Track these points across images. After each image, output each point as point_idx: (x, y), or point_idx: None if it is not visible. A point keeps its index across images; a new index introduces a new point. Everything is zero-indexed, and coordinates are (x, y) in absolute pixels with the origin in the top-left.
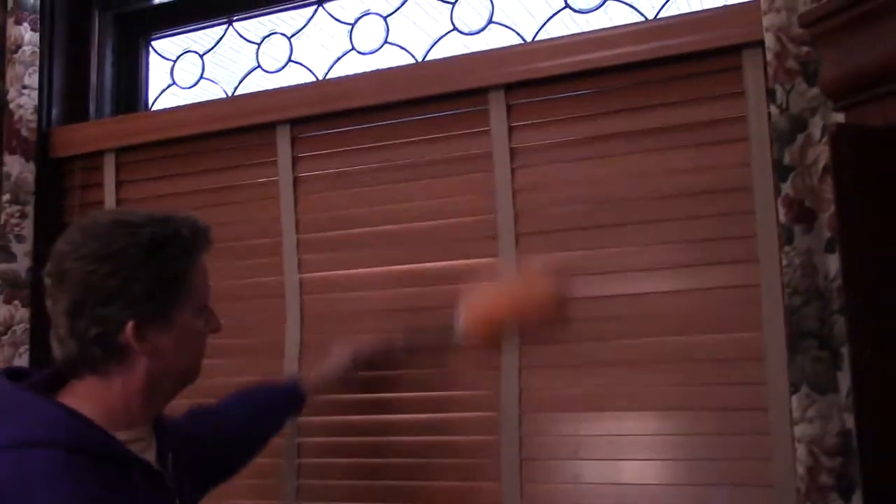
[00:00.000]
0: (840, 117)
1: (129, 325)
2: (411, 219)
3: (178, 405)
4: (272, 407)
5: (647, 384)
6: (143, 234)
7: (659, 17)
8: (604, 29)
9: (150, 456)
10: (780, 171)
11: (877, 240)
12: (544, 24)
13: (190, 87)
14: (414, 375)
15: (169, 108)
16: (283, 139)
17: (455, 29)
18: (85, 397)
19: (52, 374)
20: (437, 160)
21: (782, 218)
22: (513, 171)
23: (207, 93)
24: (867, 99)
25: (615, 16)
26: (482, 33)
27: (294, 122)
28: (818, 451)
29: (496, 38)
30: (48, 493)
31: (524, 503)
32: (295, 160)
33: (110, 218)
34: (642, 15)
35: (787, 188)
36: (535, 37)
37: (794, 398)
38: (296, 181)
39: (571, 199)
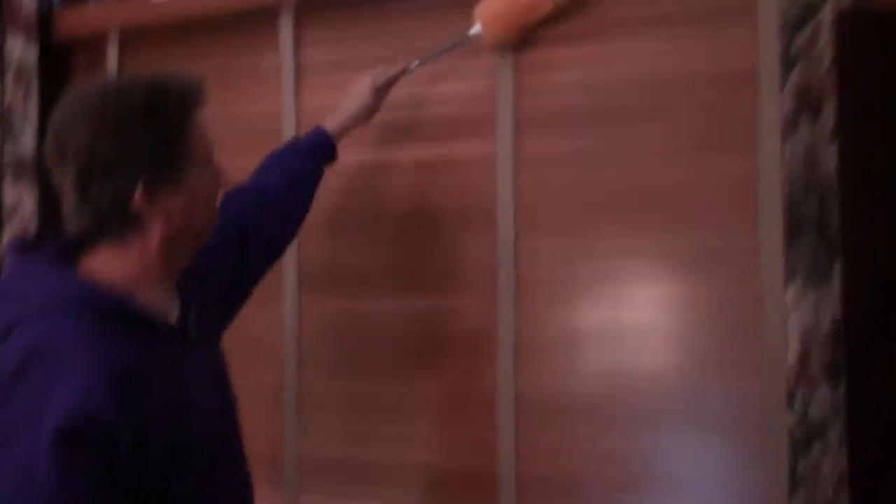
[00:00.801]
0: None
1: (139, 189)
2: (415, 105)
3: None
4: (305, 161)
5: (643, 272)
6: (135, 98)
7: None
8: None
9: (173, 313)
10: (788, 60)
11: (877, 128)
12: None
13: None
14: None
15: None
16: (286, 23)
17: None
18: (103, 265)
19: (65, 245)
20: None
21: (788, 108)
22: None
23: None
24: None
25: None
26: None
27: (298, 6)
28: (810, 339)
29: None
30: (77, 360)
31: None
32: (297, 44)
33: (101, 86)
34: None
35: (794, 77)
36: None
37: (790, 288)
38: (298, 66)
39: (576, 84)
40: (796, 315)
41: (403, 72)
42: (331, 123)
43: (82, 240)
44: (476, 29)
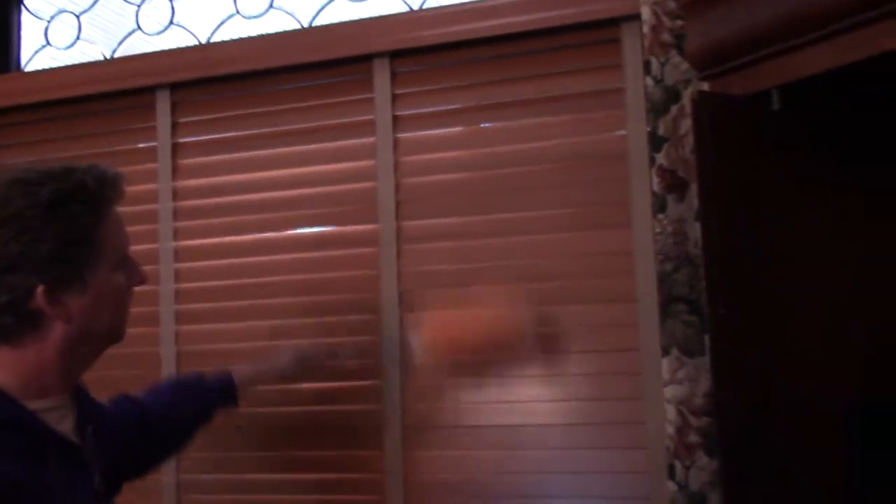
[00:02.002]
0: (707, 87)
1: (39, 289)
2: (292, 185)
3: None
4: (202, 399)
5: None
6: (42, 193)
7: None
8: None
9: (67, 426)
10: (655, 142)
11: (735, 205)
12: None
13: (66, 49)
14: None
15: (43, 70)
16: (162, 104)
17: None
18: None
19: None
20: (321, 127)
21: (656, 187)
22: (395, 138)
23: (85, 55)
24: (729, 69)
25: None
26: (369, 0)
27: (175, 87)
28: (686, 411)
29: (383, 6)
30: None
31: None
32: (174, 125)
33: (7, 177)
34: None
35: (660, 158)
36: (423, 4)
37: (665, 361)
38: (174, 147)
39: (453, 166)
40: (672, 387)
41: (327, 355)
42: (241, 371)
43: None
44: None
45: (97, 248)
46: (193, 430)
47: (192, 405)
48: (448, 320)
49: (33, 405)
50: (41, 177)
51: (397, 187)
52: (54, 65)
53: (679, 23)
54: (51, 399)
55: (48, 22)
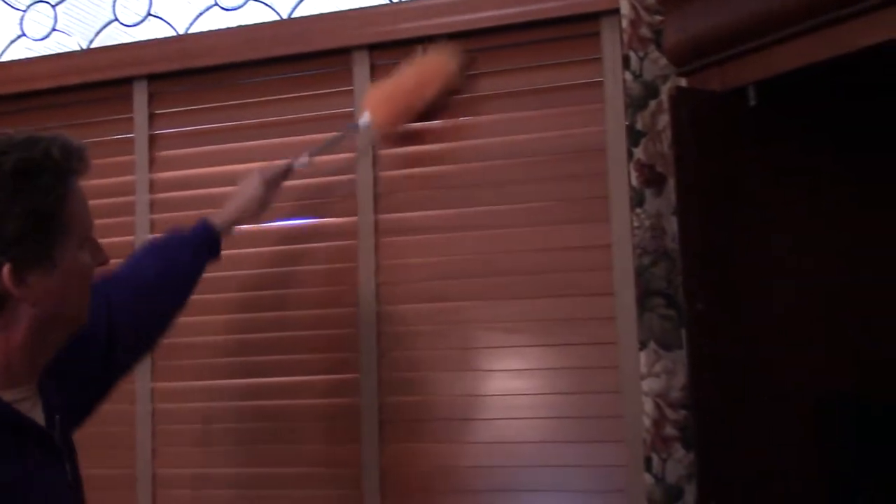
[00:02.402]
0: (685, 82)
1: (5, 269)
2: None
3: None
4: (186, 253)
5: (504, 343)
6: (6, 163)
7: None
8: None
9: (37, 415)
10: (633, 136)
11: (714, 200)
12: None
13: (41, 39)
14: None
15: (18, 60)
16: (139, 95)
17: None
18: None
19: None
20: (299, 119)
21: (634, 181)
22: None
23: (61, 46)
24: (707, 64)
25: None
26: None
27: (152, 78)
28: (663, 404)
29: None
30: None
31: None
32: (151, 116)
33: None
34: None
35: (638, 153)
36: None
37: (642, 354)
38: (151, 138)
39: (432, 159)
40: (649, 380)
41: (290, 166)
42: (217, 217)
43: None
44: (364, 119)
45: (65, 224)
46: (184, 289)
47: (178, 263)
48: (385, 88)
49: (4, 396)
50: (4, 146)
51: (376, 180)
52: (30, 55)
53: (658, 18)
54: (20, 389)
55: (23, 12)
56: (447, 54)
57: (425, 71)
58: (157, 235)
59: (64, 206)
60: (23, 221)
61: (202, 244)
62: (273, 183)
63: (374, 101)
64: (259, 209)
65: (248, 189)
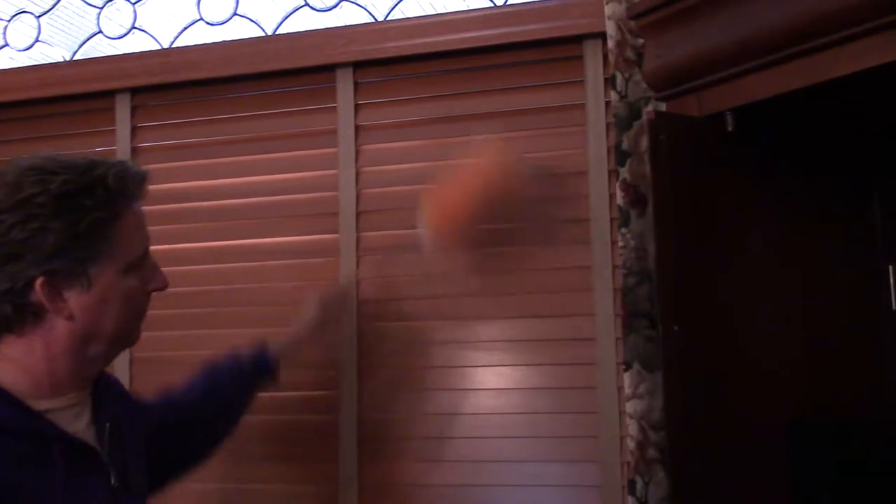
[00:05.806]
0: (665, 107)
1: (39, 281)
2: (252, 193)
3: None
4: (237, 379)
5: (484, 363)
6: (54, 182)
7: (507, 3)
8: (452, 12)
9: (81, 424)
10: (619, 156)
11: (689, 225)
12: (398, 2)
13: (25, 50)
14: None
15: (1, 70)
16: (122, 108)
17: (307, 4)
18: (5, 360)
19: None
20: (282, 135)
21: (620, 201)
22: (357, 148)
23: (45, 57)
24: (685, 90)
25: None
26: (334, 10)
27: (135, 91)
28: (647, 425)
29: (349, 16)
30: None
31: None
32: (134, 129)
33: (25, 164)
34: (492, 1)
35: (624, 172)
36: (388, 15)
37: (627, 375)
38: (133, 151)
39: (413, 177)
40: (634, 402)
41: (348, 289)
42: (275, 342)
43: None
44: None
45: (107, 246)
46: (236, 415)
47: (230, 391)
48: (444, 192)
49: (43, 404)
50: (59, 167)
51: (358, 197)
52: (12, 66)
53: (640, 41)
54: (64, 398)
55: (7, 22)
56: (505, 153)
57: (487, 172)
58: (217, 355)
59: (109, 229)
60: (62, 238)
61: (255, 373)
62: (330, 304)
63: (433, 209)
64: (317, 331)
65: (307, 311)
